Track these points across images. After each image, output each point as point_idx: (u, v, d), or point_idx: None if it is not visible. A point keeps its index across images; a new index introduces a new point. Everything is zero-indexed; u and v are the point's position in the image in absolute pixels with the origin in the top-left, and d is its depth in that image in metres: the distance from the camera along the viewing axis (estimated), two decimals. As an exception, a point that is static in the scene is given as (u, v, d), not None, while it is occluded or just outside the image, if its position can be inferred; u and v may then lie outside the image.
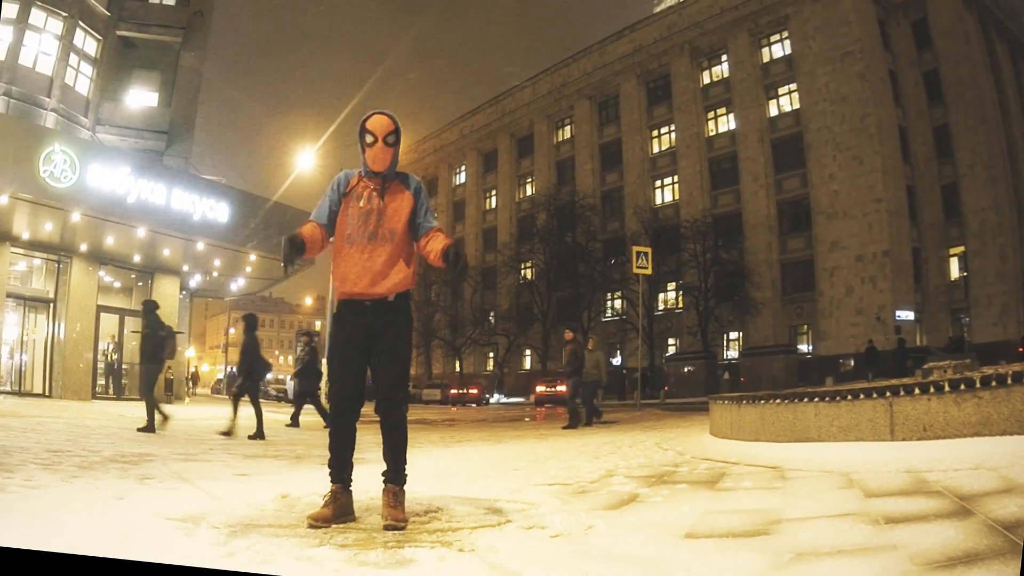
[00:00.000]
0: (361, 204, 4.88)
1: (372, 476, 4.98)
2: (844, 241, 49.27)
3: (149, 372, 14.99)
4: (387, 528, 4.39)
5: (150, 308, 15.25)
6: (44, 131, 24.20)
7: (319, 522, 4.41)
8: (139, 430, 13.48)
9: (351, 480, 4.78)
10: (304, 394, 18.50)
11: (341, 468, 4.77)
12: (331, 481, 4.75)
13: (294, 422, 17.72)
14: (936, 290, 49.62)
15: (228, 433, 13.40)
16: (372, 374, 4.84)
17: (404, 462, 4.78)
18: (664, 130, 62.34)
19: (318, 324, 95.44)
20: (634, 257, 34.04)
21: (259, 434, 13.37)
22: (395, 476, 4.72)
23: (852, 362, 43.11)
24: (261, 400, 15.09)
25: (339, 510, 4.59)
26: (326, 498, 4.65)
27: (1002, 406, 5.97)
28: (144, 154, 29.57)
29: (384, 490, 4.72)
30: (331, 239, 4.98)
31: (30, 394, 19.63)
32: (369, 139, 4.88)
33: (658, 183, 62.19)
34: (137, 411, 20.99)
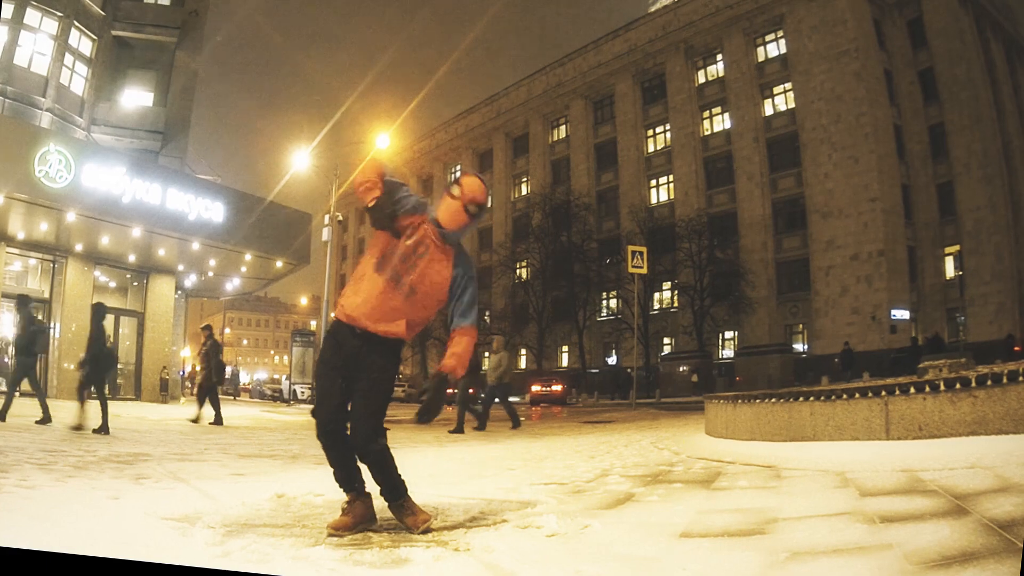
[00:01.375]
0: (409, 243, 4.58)
1: (370, 477, 4.97)
2: (839, 240, 49.28)
3: (22, 365, 15.41)
4: (423, 533, 4.33)
5: (23, 303, 15.62)
6: (39, 131, 24.17)
7: (339, 531, 4.31)
8: (36, 423, 13.79)
9: (364, 485, 4.65)
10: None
11: (347, 479, 4.64)
12: (344, 492, 4.65)
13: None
14: (932, 289, 49.62)
15: (78, 427, 13.53)
16: (350, 403, 4.67)
17: (395, 479, 4.62)
18: (659, 129, 62.29)
19: (313, 324, 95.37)
20: (629, 256, 34.15)
21: (104, 428, 13.41)
22: (392, 493, 4.60)
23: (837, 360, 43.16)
24: (263, 400, 15.48)
25: (357, 518, 4.48)
26: (344, 507, 4.56)
27: (997, 405, 5.98)
28: (139, 154, 29.49)
29: (390, 507, 4.61)
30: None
31: (25, 394, 19.61)
32: (455, 191, 4.58)
33: (653, 182, 62.13)
34: (135, 411, 21.05)
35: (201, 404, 18.00)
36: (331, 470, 4.60)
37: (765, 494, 5.13)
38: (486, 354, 29.04)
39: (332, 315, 4.91)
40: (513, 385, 19.37)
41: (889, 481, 4.92)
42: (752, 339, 51.29)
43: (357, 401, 4.56)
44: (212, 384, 18.15)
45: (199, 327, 20.44)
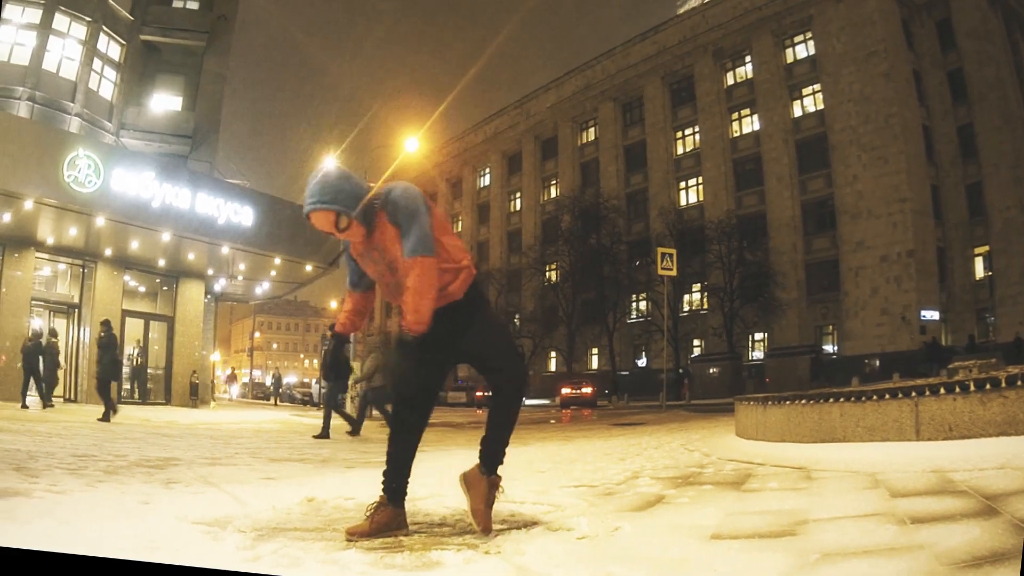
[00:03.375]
0: (373, 267, 4.49)
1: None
2: (869, 241, 49.07)
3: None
4: (485, 532, 4.30)
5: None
6: (68, 136, 24.41)
7: (355, 536, 4.21)
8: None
9: (403, 495, 4.50)
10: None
11: (397, 477, 4.49)
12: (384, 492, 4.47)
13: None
14: (961, 290, 49.35)
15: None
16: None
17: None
18: (688, 131, 62.23)
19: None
20: (659, 259, 34.14)
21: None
22: (496, 461, 4.63)
23: (877, 362, 42.91)
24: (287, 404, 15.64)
25: (378, 525, 4.31)
26: (369, 510, 4.42)
27: (1029, 405, 5.94)
28: (168, 158, 29.66)
29: (487, 478, 4.57)
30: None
31: (55, 398, 19.92)
32: (329, 234, 4.43)
33: (683, 184, 62.06)
34: (165, 415, 21.13)
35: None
36: (363, 472, 4.54)
37: (795, 495, 5.10)
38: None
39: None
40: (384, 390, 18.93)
41: (919, 482, 4.89)
42: (782, 340, 51.05)
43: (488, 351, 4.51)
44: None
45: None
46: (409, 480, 4.50)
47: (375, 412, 19.05)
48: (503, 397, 4.54)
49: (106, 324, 19.11)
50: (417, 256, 4.19)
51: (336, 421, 16.19)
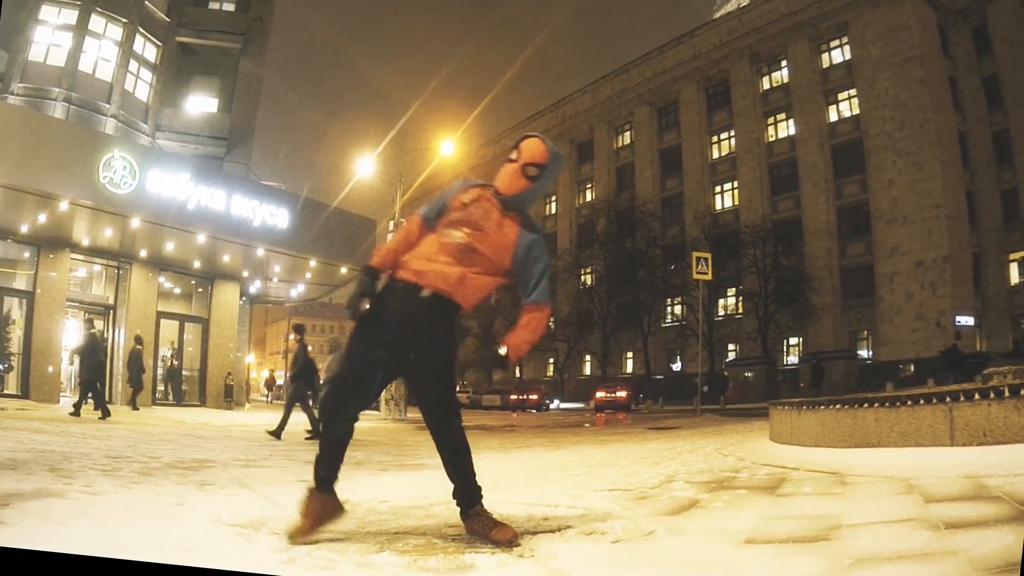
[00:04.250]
0: (466, 203, 4.38)
1: (435, 482, 4.95)
2: (904, 246, 48.83)
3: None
4: (512, 546, 4.09)
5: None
6: (104, 137, 24.54)
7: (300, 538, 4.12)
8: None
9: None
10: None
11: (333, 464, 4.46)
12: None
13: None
14: (996, 295, 49.04)
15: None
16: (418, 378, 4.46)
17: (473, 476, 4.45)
18: (724, 136, 62.24)
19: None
20: (694, 263, 34.12)
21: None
22: (471, 496, 4.40)
23: (912, 368, 42.69)
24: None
25: (316, 518, 4.27)
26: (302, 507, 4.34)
27: (1064, 412, 5.91)
28: (204, 160, 29.76)
29: (464, 517, 4.37)
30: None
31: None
32: (513, 155, 4.41)
33: (718, 188, 62.11)
34: (199, 417, 21.27)
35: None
36: (391, 476, 4.47)
37: (829, 500, 5.08)
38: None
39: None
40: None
41: (954, 487, 4.87)
42: (816, 345, 50.75)
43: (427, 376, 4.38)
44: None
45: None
46: (340, 467, 4.44)
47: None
48: (444, 427, 4.39)
49: (89, 323, 19.31)
50: (544, 303, 4.41)
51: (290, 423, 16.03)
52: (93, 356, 18.80)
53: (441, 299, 4.25)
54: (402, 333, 4.24)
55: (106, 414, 17.53)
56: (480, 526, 4.24)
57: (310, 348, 17.41)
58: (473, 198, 4.37)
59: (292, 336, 17.76)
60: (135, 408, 22.08)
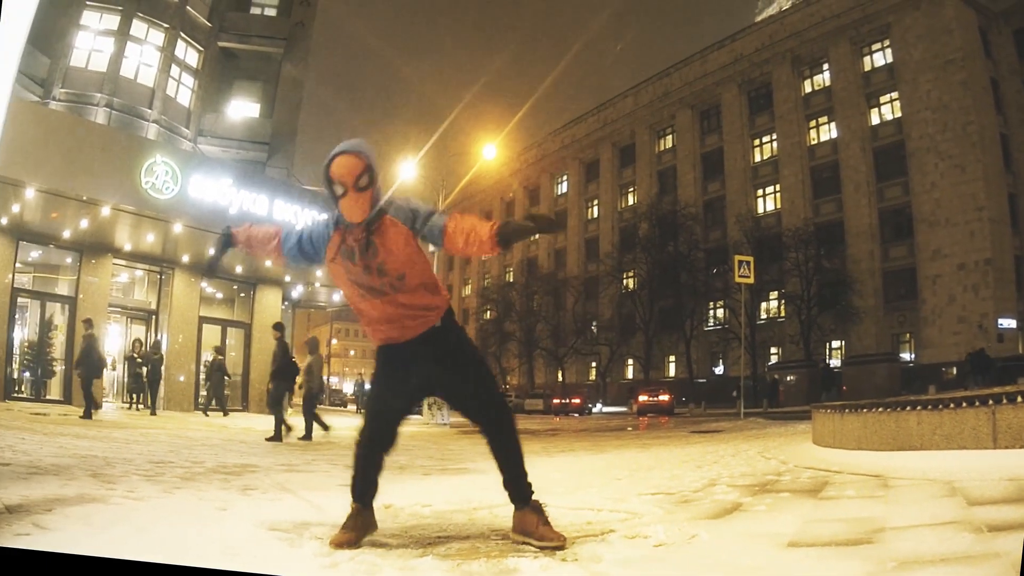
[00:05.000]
0: (355, 261, 4.21)
1: (477, 487, 4.93)
2: (946, 249, 48.50)
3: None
4: (557, 548, 4.10)
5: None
6: (146, 143, 24.77)
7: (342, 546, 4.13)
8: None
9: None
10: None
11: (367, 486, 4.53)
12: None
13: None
14: (1039, 299, 48.53)
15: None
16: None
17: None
18: (766, 139, 62.15)
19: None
20: (736, 266, 34.22)
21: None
22: (525, 490, 4.44)
23: (955, 370, 42.37)
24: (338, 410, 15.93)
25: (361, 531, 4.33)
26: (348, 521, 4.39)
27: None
28: (246, 165, 29.97)
29: (522, 511, 4.37)
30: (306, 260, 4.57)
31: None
32: (339, 190, 4.12)
33: (760, 192, 61.97)
34: (242, 422, 21.37)
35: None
36: (433, 480, 4.43)
37: (872, 503, 5.05)
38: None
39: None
40: (319, 394, 18.39)
41: (997, 490, 4.83)
42: (859, 348, 50.65)
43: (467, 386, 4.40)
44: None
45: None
46: (376, 489, 4.51)
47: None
48: (499, 427, 4.41)
49: (88, 323, 19.34)
50: (446, 214, 4.22)
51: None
52: (95, 353, 19.02)
53: (429, 331, 4.31)
54: (424, 372, 4.33)
55: (87, 416, 17.54)
56: (533, 520, 4.25)
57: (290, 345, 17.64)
58: (356, 252, 4.24)
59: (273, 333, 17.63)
60: (152, 412, 21.92)
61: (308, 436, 16.07)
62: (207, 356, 23.75)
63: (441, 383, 4.40)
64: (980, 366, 31.53)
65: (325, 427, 16.95)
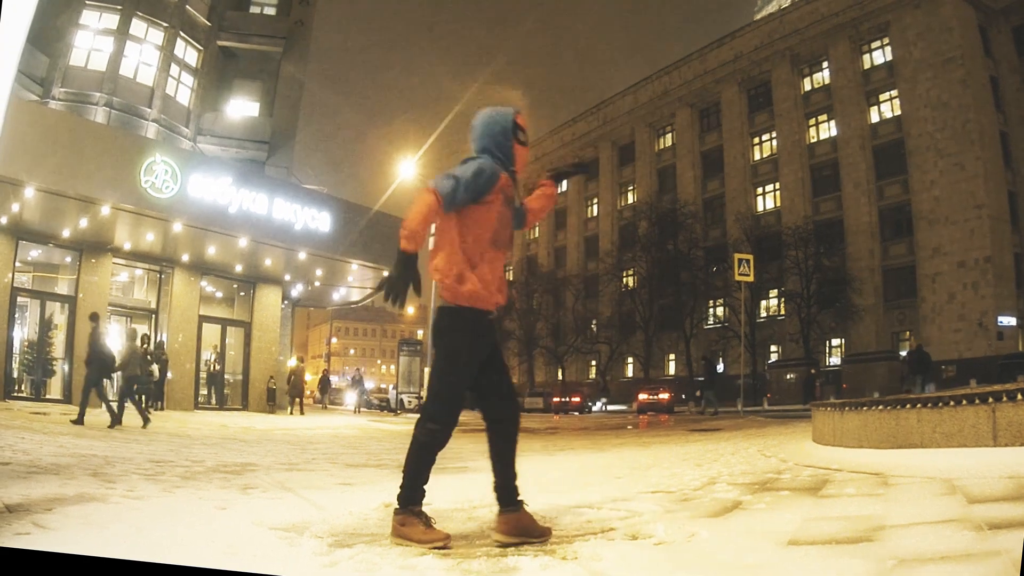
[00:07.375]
0: (511, 207, 4.43)
1: (477, 486, 4.93)
2: (946, 247, 48.56)
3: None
4: (542, 542, 4.20)
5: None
6: (145, 142, 24.74)
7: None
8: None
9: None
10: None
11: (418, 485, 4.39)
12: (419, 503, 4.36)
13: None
14: (1039, 296, 48.55)
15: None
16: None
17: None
18: (765, 137, 62.29)
19: (420, 333, 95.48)
20: (736, 264, 34.34)
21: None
22: (513, 491, 4.37)
23: (954, 368, 42.40)
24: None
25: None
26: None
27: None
28: (245, 164, 29.99)
29: (506, 511, 4.32)
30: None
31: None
32: (522, 137, 4.47)
33: (759, 190, 62.09)
34: (242, 421, 21.33)
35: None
36: (432, 479, 4.39)
37: (872, 501, 5.03)
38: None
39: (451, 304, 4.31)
40: (143, 378, 18.38)
41: (997, 488, 4.82)
42: (859, 346, 50.75)
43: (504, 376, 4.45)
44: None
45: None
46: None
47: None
48: (512, 425, 4.41)
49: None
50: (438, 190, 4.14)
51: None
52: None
53: (501, 308, 4.39)
54: (488, 352, 4.34)
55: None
56: (531, 519, 4.28)
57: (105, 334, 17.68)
58: (508, 197, 4.39)
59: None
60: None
61: (117, 422, 16.40)
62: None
63: (484, 368, 4.35)
64: (919, 366, 29.80)
65: (146, 420, 16.91)
